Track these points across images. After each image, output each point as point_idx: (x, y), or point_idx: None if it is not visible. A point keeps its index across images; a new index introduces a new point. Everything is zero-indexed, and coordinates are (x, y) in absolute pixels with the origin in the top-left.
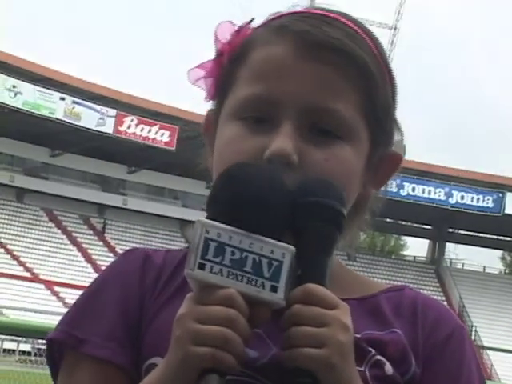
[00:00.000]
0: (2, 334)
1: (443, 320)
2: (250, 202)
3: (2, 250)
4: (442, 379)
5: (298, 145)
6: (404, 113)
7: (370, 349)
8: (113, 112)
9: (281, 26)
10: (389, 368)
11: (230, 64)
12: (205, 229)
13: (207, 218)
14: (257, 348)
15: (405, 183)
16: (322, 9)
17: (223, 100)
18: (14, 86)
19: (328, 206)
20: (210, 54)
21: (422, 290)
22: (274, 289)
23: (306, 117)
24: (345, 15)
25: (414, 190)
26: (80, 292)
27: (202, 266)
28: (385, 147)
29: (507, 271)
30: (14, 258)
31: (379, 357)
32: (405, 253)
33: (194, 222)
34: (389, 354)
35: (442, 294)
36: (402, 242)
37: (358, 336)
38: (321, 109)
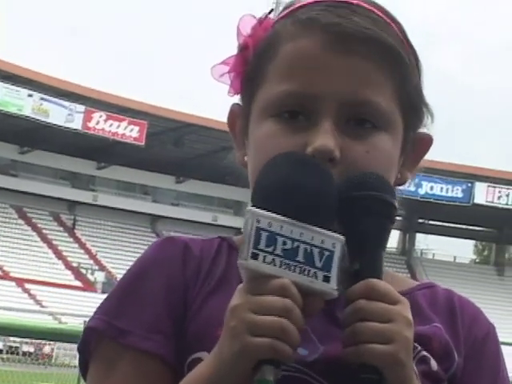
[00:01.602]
0: None
1: (479, 318)
2: (300, 191)
3: None
4: (484, 375)
5: (339, 140)
6: None
7: (416, 344)
8: (81, 108)
9: (308, 18)
10: (434, 364)
11: (256, 58)
12: (256, 218)
13: (254, 207)
14: (305, 345)
15: None
16: None
17: (252, 95)
18: None
19: (385, 201)
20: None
21: None
22: (326, 279)
23: (345, 110)
24: (368, 0)
25: None
26: (51, 289)
27: (255, 256)
28: (416, 130)
29: (478, 260)
30: None
31: (425, 352)
32: None
33: (164, 217)
34: (433, 350)
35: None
36: None
37: None
38: (359, 102)
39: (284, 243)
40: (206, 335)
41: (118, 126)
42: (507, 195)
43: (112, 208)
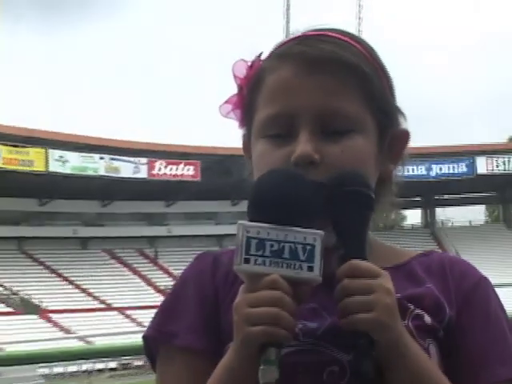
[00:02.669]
0: (90, 358)
1: (469, 272)
2: (275, 202)
3: (77, 290)
4: (475, 321)
5: (317, 145)
6: None
7: (410, 305)
8: (144, 160)
9: (282, 52)
10: (427, 318)
11: (249, 93)
12: (245, 229)
13: (250, 220)
14: (315, 320)
15: None
16: (317, 29)
17: (250, 124)
18: (61, 156)
19: (362, 193)
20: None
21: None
22: (310, 268)
23: (318, 121)
24: (335, 30)
25: (399, 171)
26: (148, 311)
27: (247, 261)
28: (392, 128)
29: (489, 220)
30: (89, 294)
31: (418, 310)
32: (404, 224)
33: (228, 235)
34: (426, 307)
35: (439, 250)
36: (401, 217)
37: (399, 296)
38: (329, 111)
39: (271, 246)
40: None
41: (177, 169)
42: (503, 163)
43: (184, 236)
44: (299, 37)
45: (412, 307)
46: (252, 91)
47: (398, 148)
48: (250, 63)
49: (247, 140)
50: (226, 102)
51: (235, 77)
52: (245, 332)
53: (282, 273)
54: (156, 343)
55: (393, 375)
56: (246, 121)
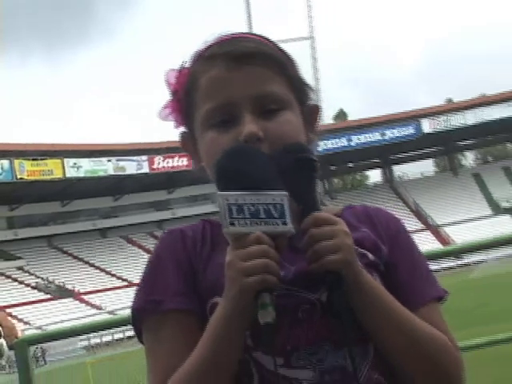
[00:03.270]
0: (121, 325)
1: (390, 219)
2: (241, 173)
3: (102, 273)
4: (403, 258)
5: (259, 124)
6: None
7: (355, 246)
8: (145, 157)
9: (210, 54)
10: (371, 256)
11: (186, 95)
12: (225, 198)
13: (222, 190)
14: (281, 270)
15: (352, 137)
16: (234, 34)
17: (192, 121)
18: (75, 163)
19: (308, 158)
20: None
21: (386, 203)
22: (284, 223)
23: (256, 104)
24: (251, 33)
25: (359, 139)
26: None
27: (232, 224)
28: (307, 102)
29: (438, 171)
30: (112, 275)
31: (362, 250)
32: (368, 182)
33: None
34: (366, 247)
35: (400, 201)
36: (365, 177)
37: None
38: (263, 95)
39: (249, 209)
40: (215, 285)
41: (173, 161)
42: (444, 121)
43: (187, 216)
44: (219, 41)
45: (357, 248)
46: (188, 94)
47: (314, 120)
48: (177, 70)
49: (187, 137)
50: (164, 107)
51: (169, 84)
52: (243, 282)
53: (262, 230)
54: (144, 314)
55: (358, 301)
56: (186, 120)
